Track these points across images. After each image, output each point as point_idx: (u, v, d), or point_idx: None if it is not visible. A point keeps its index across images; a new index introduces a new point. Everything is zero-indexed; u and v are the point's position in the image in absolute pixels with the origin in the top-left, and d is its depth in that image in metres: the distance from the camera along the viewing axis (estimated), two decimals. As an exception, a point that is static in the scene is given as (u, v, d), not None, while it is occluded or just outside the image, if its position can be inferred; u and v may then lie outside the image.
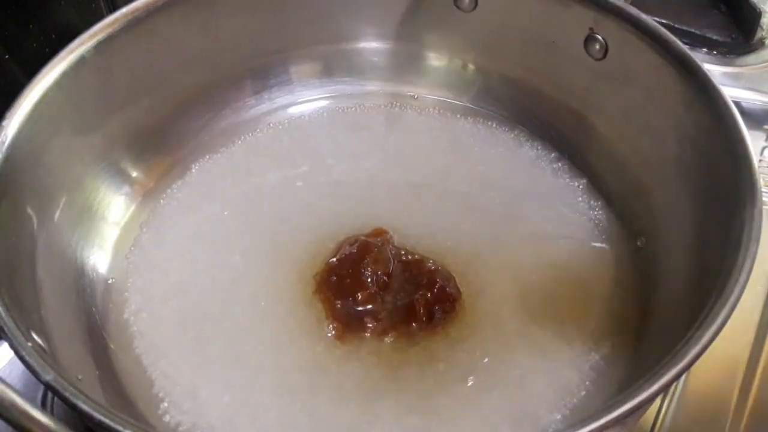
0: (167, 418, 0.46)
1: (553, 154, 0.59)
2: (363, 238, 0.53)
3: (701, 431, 0.48)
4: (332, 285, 0.51)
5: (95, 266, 0.52)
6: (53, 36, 0.59)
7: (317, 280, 0.51)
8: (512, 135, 0.61)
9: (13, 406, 0.33)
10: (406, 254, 0.52)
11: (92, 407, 0.35)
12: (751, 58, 0.72)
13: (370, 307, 0.50)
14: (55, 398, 0.46)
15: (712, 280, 0.40)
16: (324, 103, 0.64)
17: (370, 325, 0.49)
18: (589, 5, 0.53)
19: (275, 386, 0.47)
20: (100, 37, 0.51)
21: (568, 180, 0.58)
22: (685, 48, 0.49)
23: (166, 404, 0.46)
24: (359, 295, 0.50)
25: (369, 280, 0.50)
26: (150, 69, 0.56)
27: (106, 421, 0.35)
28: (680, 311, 0.44)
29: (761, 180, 0.43)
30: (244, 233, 0.55)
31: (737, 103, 0.48)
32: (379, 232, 0.54)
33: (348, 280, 0.51)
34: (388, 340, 0.48)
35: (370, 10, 0.61)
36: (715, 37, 0.73)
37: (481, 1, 0.59)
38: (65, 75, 0.49)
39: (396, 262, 0.52)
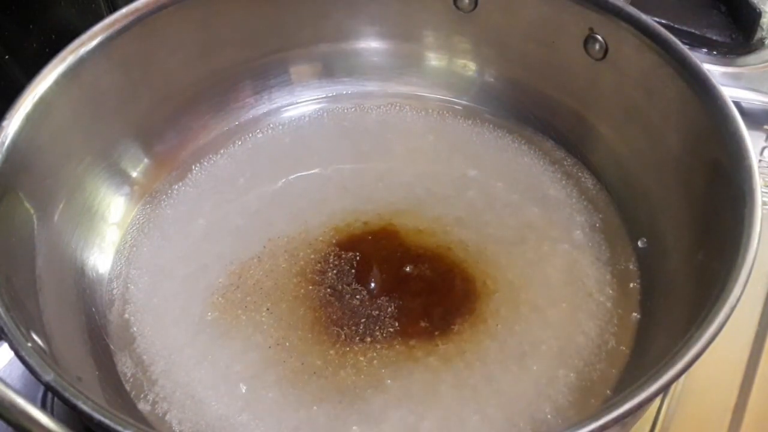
0: (167, 418, 0.46)
1: (553, 155, 0.59)
2: (365, 238, 0.53)
3: (701, 431, 0.48)
4: (335, 286, 0.51)
5: (95, 266, 0.53)
6: (53, 36, 0.59)
7: (319, 281, 0.51)
8: (512, 135, 0.61)
9: (13, 406, 0.33)
10: (408, 254, 0.52)
11: (92, 407, 0.35)
12: (751, 58, 0.72)
13: (373, 308, 0.50)
14: (55, 398, 0.46)
15: (712, 280, 0.40)
16: (324, 103, 0.64)
17: (374, 327, 0.49)
18: (589, 5, 0.53)
19: (276, 387, 0.47)
20: (100, 37, 0.51)
21: (567, 180, 0.58)
22: (685, 48, 0.49)
23: (166, 404, 0.47)
24: (363, 297, 0.50)
25: (372, 281, 0.50)
26: (150, 69, 0.56)
27: (106, 421, 0.35)
28: (680, 311, 0.44)
29: (761, 180, 0.43)
30: (244, 234, 0.55)
31: (737, 103, 0.48)
32: (381, 233, 0.54)
33: (350, 282, 0.51)
34: (392, 341, 0.48)
35: (370, 10, 0.61)
36: (715, 37, 0.73)
37: (481, 1, 0.59)
38: (65, 75, 0.49)
39: (399, 262, 0.52)
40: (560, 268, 0.52)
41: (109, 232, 0.55)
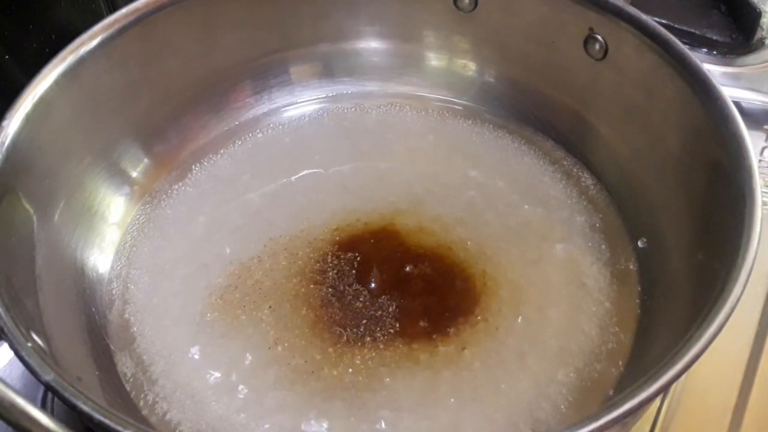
0: (168, 418, 0.46)
1: (553, 155, 0.59)
2: (365, 238, 0.53)
3: (701, 431, 0.48)
4: (336, 286, 0.51)
5: (95, 266, 0.53)
6: (53, 36, 0.59)
7: (320, 281, 0.51)
8: (512, 135, 0.61)
9: (13, 406, 0.33)
10: (409, 254, 0.52)
11: (92, 407, 0.35)
12: (751, 58, 0.72)
13: (373, 308, 0.50)
14: (55, 398, 0.46)
15: (712, 280, 0.40)
16: (324, 103, 0.64)
17: (375, 327, 0.49)
18: (589, 5, 0.53)
19: (276, 387, 0.47)
20: (100, 37, 0.51)
21: (567, 180, 0.58)
22: (685, 48, 0.49)
23: (166, 404, 0.47)
24: (363, 297, 0.50)
25: (372, 281, 0.50)
26: (150, 69, 0.56)
27: (106, 421, 0.35)
28: (680, 311, 0.44)
29: (761, 180, 0.43)
30: (245, 235, 0.55)
31: (737, 103, 0.48)
32: (382, 233, 0.54)
33: (350, 281, 0.51)
34: (392, 341, 0.48)
35: (370, 10, 0.61)
36: (715, 37, 0.73)
37: (481, 1, 0.59)
38: (65, 75, 0.49)
39: (399, 262, 0.52)
40: (560, 268, 0.52)
41: (109, 232, 0.55)
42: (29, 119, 0.47)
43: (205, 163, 0.59)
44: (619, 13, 0.52)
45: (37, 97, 0.47)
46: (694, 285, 0.45)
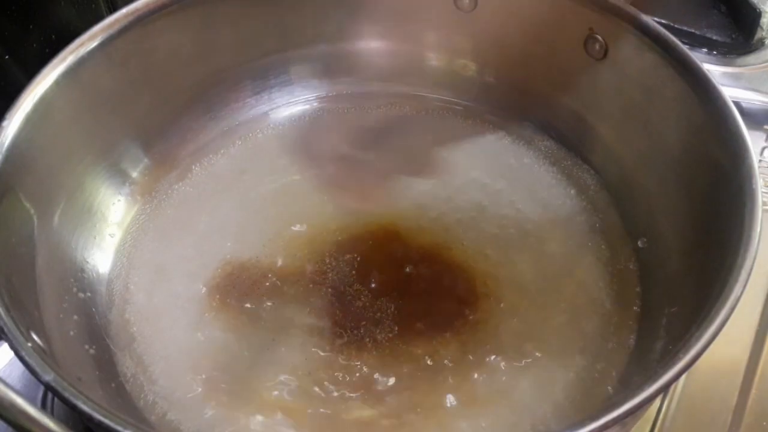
0: (168, 418, 0.46)
1: (553, 155, 0.59)
2: (365, 239, 0.53)
3: (701, 431, 0.48)
4: (335, 287, 0.51)
5: (95, 266, 0.53)
6: (53, 36, 0.59)
7: (319, 282, 0.51)
8: (512, 135, 0.61)
9: (13, 406, 0.33)
10: (409, 255, 0.52)
11: (92, 407, 0.35)
12: (751, 58, 0.72)
13: (373, 309, 0.50)
14: (55, 398, 0.46)
15: (712, 280, 0.40)
16: (324, 103, 0.64)
17: (375, 328, 0.49)
18: (589, 5, 0.53)
19: (276, 387, 0.47)
20: (100, 37, 0.51)
21: (567, 180, 0.58)
22: (685, 48, 0.49)
23: (166, 404, 0.47)
24: (363, 298, 0.50)
25: (372, 281, 0.50)
26: (150, 69, 0.56)
27: (106, 421, 0.35)
28: (680, 311, 0.44)
29: (761, 180, 0.43)
30: (244, 235, 0.55)
31: (737, 103, 0.48)
32: (381, 233, 0.54)
33: (350, 282, 0.51)
34: (392, 342, 0.48)
35: (370, 10, 0.61)
36: (715, 37, 0.73)
37: (481, 1, 0.59)
38: (65, 75, 0.49)
39: (399, 263, 0.52)
40: (560, 268, 0.52)
41: (109, 232, 0.55)
42: (29, 119, 0.47)
43: (205, 163, 0.59)
44: (619, 13, 0.52)
45: (37, 97, 0.47)
46: (694, 285, 0.45)
